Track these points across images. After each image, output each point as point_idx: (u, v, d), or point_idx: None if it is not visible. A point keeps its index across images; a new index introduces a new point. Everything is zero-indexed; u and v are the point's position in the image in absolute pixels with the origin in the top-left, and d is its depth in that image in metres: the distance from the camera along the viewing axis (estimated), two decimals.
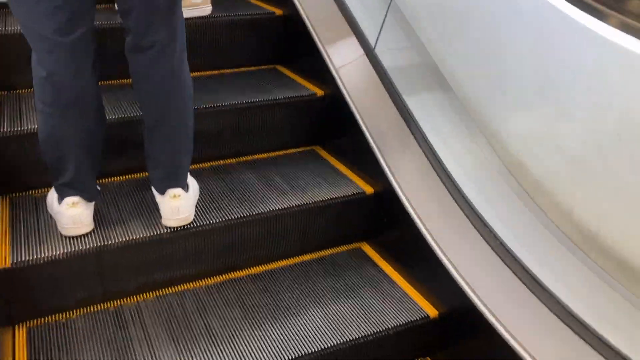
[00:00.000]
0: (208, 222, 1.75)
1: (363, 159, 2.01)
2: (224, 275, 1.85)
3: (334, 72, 2.12)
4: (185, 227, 1.72)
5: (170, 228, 1.70)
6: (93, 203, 1.67)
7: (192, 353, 1.55)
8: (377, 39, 2.05)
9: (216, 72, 2.34)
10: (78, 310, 1.67)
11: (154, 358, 1.52)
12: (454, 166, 1.76)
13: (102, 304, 1.70)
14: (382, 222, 1.98)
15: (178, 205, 1.68)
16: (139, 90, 1.60)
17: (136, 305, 1.70)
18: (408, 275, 1.88)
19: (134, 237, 1.66)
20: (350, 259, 1.98)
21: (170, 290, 1.77)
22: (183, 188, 1.69)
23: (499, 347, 1.48)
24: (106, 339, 1.58)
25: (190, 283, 1.81)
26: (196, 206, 1.80)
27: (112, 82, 2.13)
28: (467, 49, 1.71)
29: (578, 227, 1.42)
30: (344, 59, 2.14)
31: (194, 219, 1.74)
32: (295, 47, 2.40)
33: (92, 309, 1.68)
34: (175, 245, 1.73)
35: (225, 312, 1.69)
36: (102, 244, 1.62)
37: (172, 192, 1.67)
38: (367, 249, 2.03)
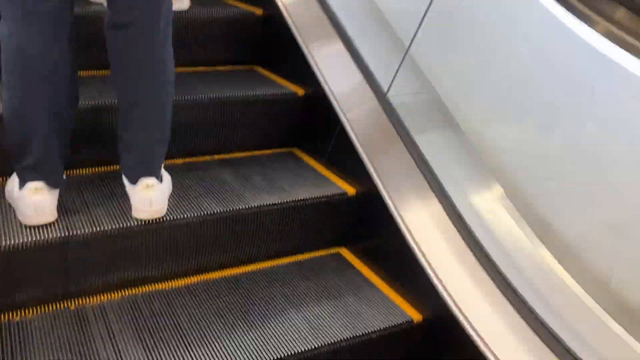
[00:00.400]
0: (182, 217, 1.64)
1: (345, 159, 1.93)
2: (196, 277, 1.74)
3: (315, 69, 2.05)
4: (157, 220, 1.60)
5: (141, 220, 1.58)
6: (57, 191, 1.54)
7: (161, 353, 1.42)
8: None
9: (192, 69, 2.25)
10: (35, 308, 1.53)
11: (118, 358, 1.39)
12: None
13: (62, 303, 1.56)
14: (364, 225, 1.90)
15: (151, 197, 1.57)
16: (116, 70, 1.50)
17: (100, 305, 1.57)
18: (390, 280, 1.80)
19: (102, 229, 1.53)
20: (329, 263, 1.89)
21: (138, 291, 1.65)
22: (157, 178, 1.58)
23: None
24: (66, 339, 1.44)
25: (160, 283, 1.69)
26: (169, 201, 1.69)
27: (82, 72, 2.01)
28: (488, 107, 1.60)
29: (615, 299, 1.30)
30: (325, 57, 2.08)
31: (166, 213, 1.63)
32: (276, 48, 2.33)
33: (51, 308, 1.54)
34: (145, 240, 1.61)
35: (197, 313, 1.57)
36: (67, 234, 1.49)
37: (145, 181, 1.56)
38: (346, 254, 1.95)
